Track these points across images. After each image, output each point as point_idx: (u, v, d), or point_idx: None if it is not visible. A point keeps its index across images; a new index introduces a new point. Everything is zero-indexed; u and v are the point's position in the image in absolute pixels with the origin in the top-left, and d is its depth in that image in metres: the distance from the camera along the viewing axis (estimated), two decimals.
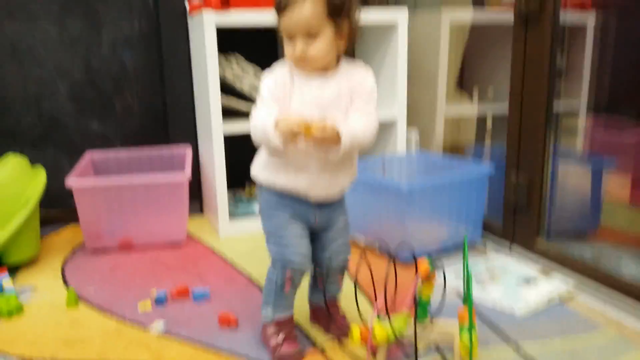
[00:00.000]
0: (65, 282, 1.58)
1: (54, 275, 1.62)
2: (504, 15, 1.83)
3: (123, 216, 1.78)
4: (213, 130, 1.82)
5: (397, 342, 1.12)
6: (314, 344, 1.23)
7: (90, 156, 2.01)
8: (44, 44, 1.97)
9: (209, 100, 1.80)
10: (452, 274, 1.53)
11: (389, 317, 1.08)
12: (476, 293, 1.43)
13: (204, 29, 1.74)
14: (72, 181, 1.71)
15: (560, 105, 1.92)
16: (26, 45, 1.96)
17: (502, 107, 1.81)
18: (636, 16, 1.93)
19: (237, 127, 1.84)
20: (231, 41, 1.97)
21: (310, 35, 1.04)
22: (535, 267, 1.58)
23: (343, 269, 1.25)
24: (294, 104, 1.09)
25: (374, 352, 1.12)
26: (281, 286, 1.15)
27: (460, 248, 1.73)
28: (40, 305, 1.43)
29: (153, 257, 1.75)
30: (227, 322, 1.30)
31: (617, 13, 2.08)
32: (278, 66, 1.12)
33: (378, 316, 1.10)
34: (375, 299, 1.19)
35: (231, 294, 1.48)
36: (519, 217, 1.70)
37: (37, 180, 1.72)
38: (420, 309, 1.13)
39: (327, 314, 1.26)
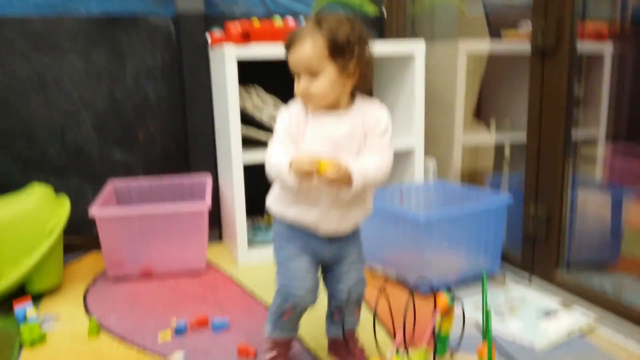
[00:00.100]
0: (87, 310, 1.61)
1: (76, 304, 1.65)
2: (521, 46, 1.85)
3: (144, 244, 1.80)
4: (233, 159, 1.85)
5: None
6: None
7: (113, 184, 2.05)
8: (69, 75, 2.03)
9: (229, 130, 1.83)
10: (471, 304, 1.52)
11: (407, 352, 1.08)
12: (495, 326, 1.42)
13: (225, 61, 1.78)
14: (96, 210, 1.74)
15: (578, 133, 1.92)
16: (52, 77, 2.02)
17: (520, 135, 1.81)
18: None
19: (256, 156, 1.87)
20: (251, 73, 2.00)
21: (312, 73, 1.07)
22: (555, 299, 1.57)
23: (359, 301, 1.25)
24: (307, 141, 1.12)
25: None
26: (280, 315, 1.19)
27: (479, 279, 1.72)
28: (63, 334, 1.45)
29: (173, 286, 1.77)
30: (245, 354, 1.31)
31: (634, 42, 2.09)
32: (294, 103, 1.15)
33: (397, 351, 1.11)
34: (394, 333, 1.20)
35: (250, 324, 1.49)
36: (538, 248, 1.69)
37: (61, 209, 1.75)
38: (439, 343, 1.13)
39: (345, 347, 1.26)
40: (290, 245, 1.18)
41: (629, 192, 1.92)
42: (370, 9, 2.34)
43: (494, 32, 2.35)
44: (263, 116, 1.97)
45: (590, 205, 1.92)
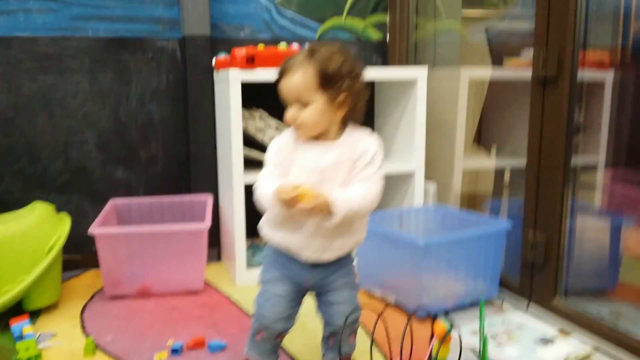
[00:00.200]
0: (83, 328, 1.60)
1: (73, 322, 1.65)
2: (522, 74, 1.87)
3: (143, 264, 1.80)
4: (234, 180, 1.86)
5: None
6: None
7: (114, 203, 2.06)
8: (74, 95, 2.06)
9: (231, 152, 1.85)
10: (468, 330, 1.52)
11: None
12: (493, 352, 1.41)
13: (230, 83, 1.80)
14: (95, 228, 1.75)
15: (578, 160, 1.93)
16: (57, 96, 2.04)
17: (520, 160, 1.82)
18: None
19: (257, 177, 1.87)
20: (255, 96, 2.02)
21: (302, 103, 1.09)
22: (552, 326, 1.56)
23: (353, 327, 1.25)
24: (293, 170, 1.13)
25: None
26: (254, 334, 1.21)
27: (477, 304, 1.72)
28: (59, 352, 1.45)
29: (170, 305, 1.77)
30: None
31: (635, 70, 2.11)
32: (286, 131, 1.17)
33: None
34: (391, 358, 1.20)
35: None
36: (536, 275, 1.69)
37: (62, 227, 1.76)
38: None
39: None
40: (272, 269, 1.20)
41: (628, 219, 1.92)
42: (374, 35, 2.38)
43: (496, 59, 2.37)
44: (265, 138, 1.99)
45: (589, 232, 1.93)
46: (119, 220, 2.06)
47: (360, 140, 1.14)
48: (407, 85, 2.06)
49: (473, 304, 1.72)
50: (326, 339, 1.28)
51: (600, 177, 2.19)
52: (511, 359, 1.38)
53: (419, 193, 2.08)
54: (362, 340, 1.32)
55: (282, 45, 1.90)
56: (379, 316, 1.16)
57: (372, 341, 1.15)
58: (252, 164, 1.97)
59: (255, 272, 1.93)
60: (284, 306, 1.18)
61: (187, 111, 2.14)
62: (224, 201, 2.08)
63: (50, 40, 2.00)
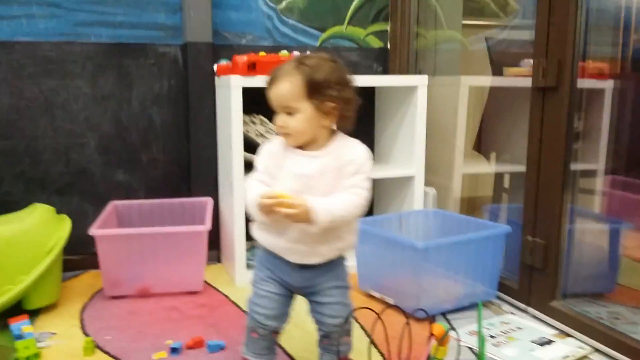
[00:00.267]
0: (83, 328, 1.61)
1: (72, 322, 1.65)
2: (522, 82, 1.88)
3: (142, 266, 1.81)
4: (234, 183, 1.87)
5: None
6: None
7: (115, 205, 2.07)
8: (76, 99, 2.07)
9: (231, 156, 1.87)
10: (467, 332, 1.52)
11: None
12: (491, 354, 1.41)
13: (231, 89, 1.82)
14: (95, 229, 1.76)
15: (577, 166, 1.93)
16: (59, 100, 2.06)
17: (519, 167, 1.83)
18: None
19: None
20: (256, 102, 2.03)
21: (289, 111, 1.11)
22: (551, 328, 1.56)
23: (346, 328, 1.24)
24: (282, 176, 1.14)
25: None
26: (248, 332, 1.22)
27: (475, 306, 1.72)
28: (58, 352, 1.46)
29: (169, 305, 1.77)
30: None
31: (634, 80, 2.12)
32: (275, 138, 1.19)
33: None
34: (390, 359, 1.20)
35: None
36: (535, 278, 1.69)
37: (62, 229, 1.77)
38: None
39: None
40: (262, 269, 1.22)
41: (626, 224, 1.93)
42: (375, 43, 2.40)
43: (496, 68, 2.39)
44: (266, 142, 2.00)
45: (587, 236, 1.93)
46: (120, 222, 2.07)
47: (348, 149, 1.15)
48: (408, 92, 2.08)
49: (472, 307, 1.72)
50: (321, 341, 1.28)
51: (600, 183, 2.19)
52: None
53: (418, 198, 2.09)
54: (360, 341, 1.32)
55: (284, 53, 1.92)
56: (378, 316, 1.16)
57: (371, 341, 1.15)
58: (252, 168, 1.98)
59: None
60: (275, 305, 1.19)
61: (188, 116, 2.16)
62: (224, 203, 2.09)
63: (53, 45, 2.02)
